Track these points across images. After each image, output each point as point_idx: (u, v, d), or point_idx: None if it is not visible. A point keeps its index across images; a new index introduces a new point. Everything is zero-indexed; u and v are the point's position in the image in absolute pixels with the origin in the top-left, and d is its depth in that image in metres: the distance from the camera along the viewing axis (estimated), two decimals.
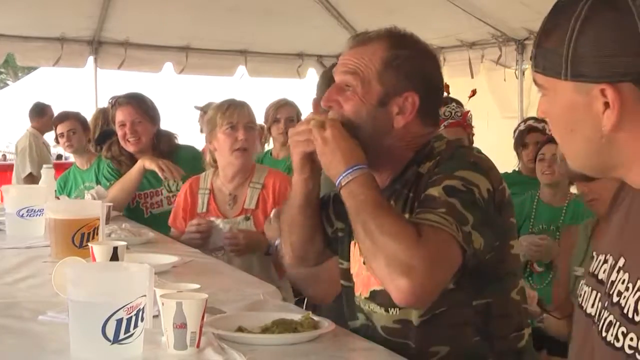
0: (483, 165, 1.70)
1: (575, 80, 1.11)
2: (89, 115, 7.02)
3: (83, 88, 8.42)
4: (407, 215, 1.73)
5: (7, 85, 20.69)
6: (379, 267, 1.56)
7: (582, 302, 1.24)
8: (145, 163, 3.63)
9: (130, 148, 3.79)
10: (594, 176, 1.22)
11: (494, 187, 1.67)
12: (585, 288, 1.24)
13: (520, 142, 4.28)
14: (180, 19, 7.06)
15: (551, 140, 3.73)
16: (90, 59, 7.33)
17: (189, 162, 3.81)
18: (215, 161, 3.22)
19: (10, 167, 10.15)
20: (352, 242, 1.92)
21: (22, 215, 3.02)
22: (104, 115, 6.57)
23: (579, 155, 1.19)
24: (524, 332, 1.81)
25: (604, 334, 1.13)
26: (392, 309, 1.76)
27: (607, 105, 1.10)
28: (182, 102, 9.31)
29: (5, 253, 2.73)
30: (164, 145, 3.83)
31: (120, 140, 3.83)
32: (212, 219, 3.12)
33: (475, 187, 1.64)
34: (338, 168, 1.68)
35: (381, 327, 1.80)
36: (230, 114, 3.10)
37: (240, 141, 3.08)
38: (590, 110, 1.12)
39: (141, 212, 3.76)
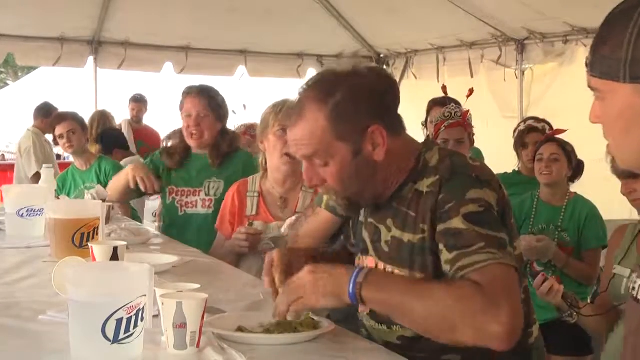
0: (484, 176, 1.70)
1: (633, 82, 1.19)
2: (89, 115, 7.05)
3: (83, 88, 8.42)
4: (408, 235, 1.74)
5: (7, 85, 20.67)
6: (466, 335, 1.52)
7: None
8: (130, 171, 3.59)
9: (191, 143, 3.65)
10: None
11: (498, 195, 1.68)
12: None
13: (520, 142, 4.28)
14: (180, 19, 7.06)
15: (550, 140, 3.72)
16: (90, 59, 7.33)
17: (241, 167, 3.68)
18: (266, 162, 3.09)
19: (10, 167, 10.13)
20: (356, 258, 1.93)
21: (22, 215, 3.02)
22: (101, 118, 6.59)
23: (632, 155, 1.25)
24: (533, 329, 1.82)
25: None
26: (395, 326, 1.78)
27: None
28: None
29: (5, 253, 2.73)
30: (226, 145, 3.69)
31: (183, 131, 3.68)
32: (256, 224, 3.02)
33: (487, 203, 1.64)
34: (342, 287, 1.61)
35: (384, 343, 1.78)
36: (283, 116, 2.93)
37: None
38: None
39: (176, 209, 3.63)
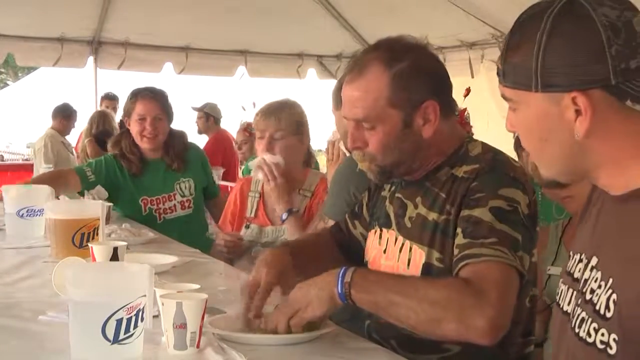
0: (521, 178, 1.71)
1: (546, 91, 1.14)
2: (87, 115, 7.05)
3: (83, 88, 8.42)
4: (433, 214, 1.75)
5: (7, 85, 20.68)
6: (450, 328, 1.52)
7: (559, 300, 1.28)
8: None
9: (145, 144, 3.62)
10: (566, 182, 1.27)
11: (530, 200, 1.69)
12: (562, 286, 1.28)
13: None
14: (180, 19, 7.06)
15: None
16: (90, 59, 7.33)
17: (200, 162, 3.76)
18: None
19: (9, 167, 10.20)
20: (372, 231, 1.95)
21: (22, 215, 3.02)
22: (100, 118, 6.60)
23: (553, 163, 1.21)
24: (531, 339, 1.82)
25: (577, 330, 1.17)
26: None
27: (578, 112, 1.13)
28: (182, 102, 9.31)
29: (5, 253, 2.73)
30: (178, 145, 3.70)
31: (135, 135, 3.64)
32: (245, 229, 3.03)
33: (518, 204, 1.65)
34: (332, 289, 1.61)
35: None
36: (257, 122, 2.95)
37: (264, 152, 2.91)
38: (562, 119, 1.15)
39: (154, 218, 3.60)
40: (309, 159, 3.10)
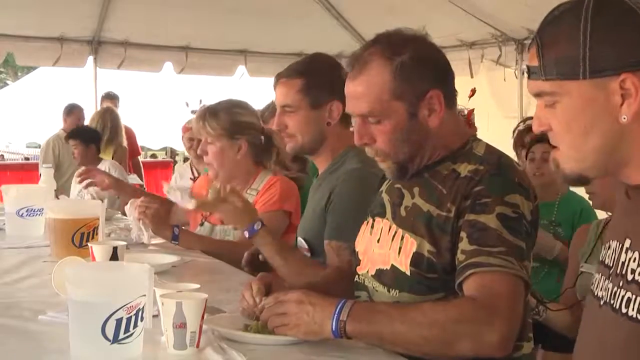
0: (525, 183, 1.71)
1: (593, 76, 1.18)
2: (89, 115, 7.04)
3: (83, 88, 8.42)
4: (429, 206, 1.74)
5: (7, 85, 20.67)
6: (465, 347, 1.53)
7: (594, 289, 1.31)
8: None
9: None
10: (592, 177, 1.28)
11: (533, 205, 1.69)
12: (597, 275, 1.32)
13: (519, 142, 4.27)
14: (180, 19, 7.06)
15: (540, 139, 3.71)
16: (90, 58, 7.33)
17: None
18: None
19: (9, 167, 10.23)
20: (364, 222, 1.94)
21: (22, 215, 3.03)
22: (102, 117, 6.58)
23: (588, 156, 1.24)
24: (523, 344, 1.79)
25: (624, 310, 1.19)
26: (393, 290, 1.78)
27: (624, 96, 1.17)
28: (182, 102, 9.32)
29: (5, 253, 2.73)
30: None
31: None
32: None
33: (522, 211, 1.65)
34: (324, 325, 1.58)
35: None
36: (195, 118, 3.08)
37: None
38: (608, 104, 1.18)
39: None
40: (261, 159, 3.08)
